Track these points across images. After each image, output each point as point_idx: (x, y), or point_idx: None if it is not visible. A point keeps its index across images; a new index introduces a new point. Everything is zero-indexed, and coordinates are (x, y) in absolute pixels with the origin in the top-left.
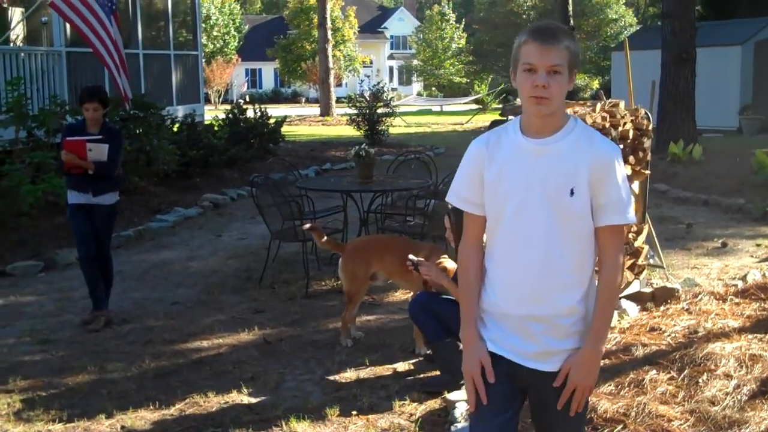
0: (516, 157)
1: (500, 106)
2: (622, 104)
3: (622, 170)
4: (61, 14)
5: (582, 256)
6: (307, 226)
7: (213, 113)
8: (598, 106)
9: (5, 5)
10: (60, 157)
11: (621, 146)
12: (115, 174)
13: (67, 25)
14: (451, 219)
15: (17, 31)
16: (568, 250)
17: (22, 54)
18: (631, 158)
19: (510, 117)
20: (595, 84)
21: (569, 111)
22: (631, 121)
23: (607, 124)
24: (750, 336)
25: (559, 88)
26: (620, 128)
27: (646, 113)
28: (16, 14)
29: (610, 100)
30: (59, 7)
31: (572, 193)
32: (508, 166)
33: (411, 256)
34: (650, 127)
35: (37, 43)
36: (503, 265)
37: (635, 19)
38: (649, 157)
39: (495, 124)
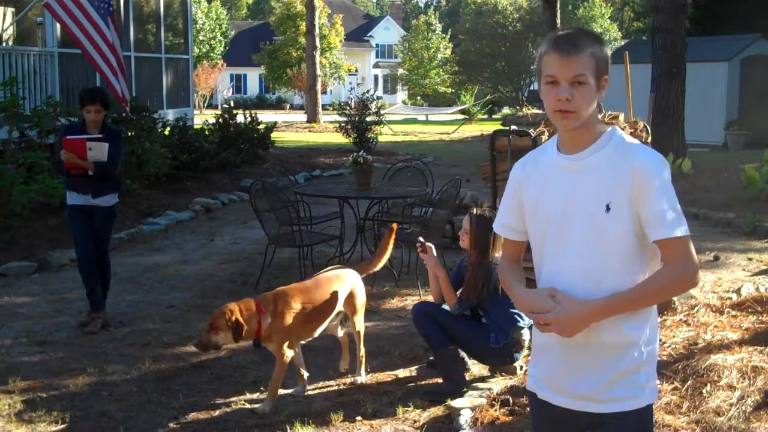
0: (552, 177)
1: (486, 117)
2: (621, 117)
3: (665, 181)
4: (55, 15)
5: (629, 280)
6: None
7: (199, 118)
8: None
9: None
10: (56, 157)
11: None
12: (115, 174)
13: (60, 26)
14: (473, 226)
15: (9, 32)
16: (611, 273)
17: (15, 54)
18: None
19: (513, 126)
20: None
21: None
22: (631, 133)
23: None
24: (750, 348)
25: (585, 100)
26: None
27: (645, 126)
28: (8, 14)
29: (609, 112)
30: (53, 8)
31: (608, 209)
32: (545, 188)
33: (420, 239)
34: (649, 140)
35: (30, 44)
36: None
37: (620, 33)
38: None
39: (497, 134)
